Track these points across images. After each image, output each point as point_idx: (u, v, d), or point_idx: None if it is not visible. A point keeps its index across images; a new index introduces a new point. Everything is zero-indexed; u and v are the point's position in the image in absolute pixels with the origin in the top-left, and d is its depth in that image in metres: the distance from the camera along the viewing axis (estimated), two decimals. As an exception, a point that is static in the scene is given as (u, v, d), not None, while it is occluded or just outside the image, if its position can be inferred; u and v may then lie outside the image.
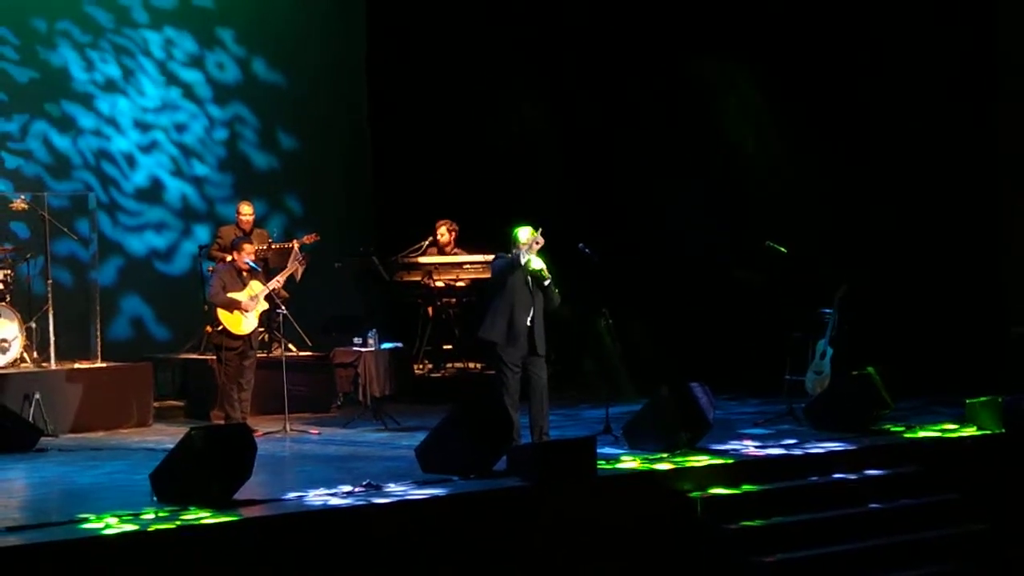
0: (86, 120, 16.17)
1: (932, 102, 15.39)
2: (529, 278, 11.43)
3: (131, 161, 16.42)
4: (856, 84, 15.75)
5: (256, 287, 13.24)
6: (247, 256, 13.28)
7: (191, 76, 16.85)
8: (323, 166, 17.50)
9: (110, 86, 16.33)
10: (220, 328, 13.17)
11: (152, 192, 16.54)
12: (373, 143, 17.87)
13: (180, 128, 16.75)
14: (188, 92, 16.82)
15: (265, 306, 13.36)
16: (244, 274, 13.28)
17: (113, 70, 16.34)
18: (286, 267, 13.99)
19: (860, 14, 15.75)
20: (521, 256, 11.33)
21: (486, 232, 14.47)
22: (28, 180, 15.54)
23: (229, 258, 13.80)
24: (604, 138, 17.39)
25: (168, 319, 16.33)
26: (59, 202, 15.41)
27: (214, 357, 13.64)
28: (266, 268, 14.34)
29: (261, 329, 14.03)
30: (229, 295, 13.12)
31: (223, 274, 13.33)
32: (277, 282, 13.60)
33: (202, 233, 16.63)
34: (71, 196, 15.61)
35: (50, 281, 14.35)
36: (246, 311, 13.14)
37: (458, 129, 17.48)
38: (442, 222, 15.82)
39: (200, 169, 16.85)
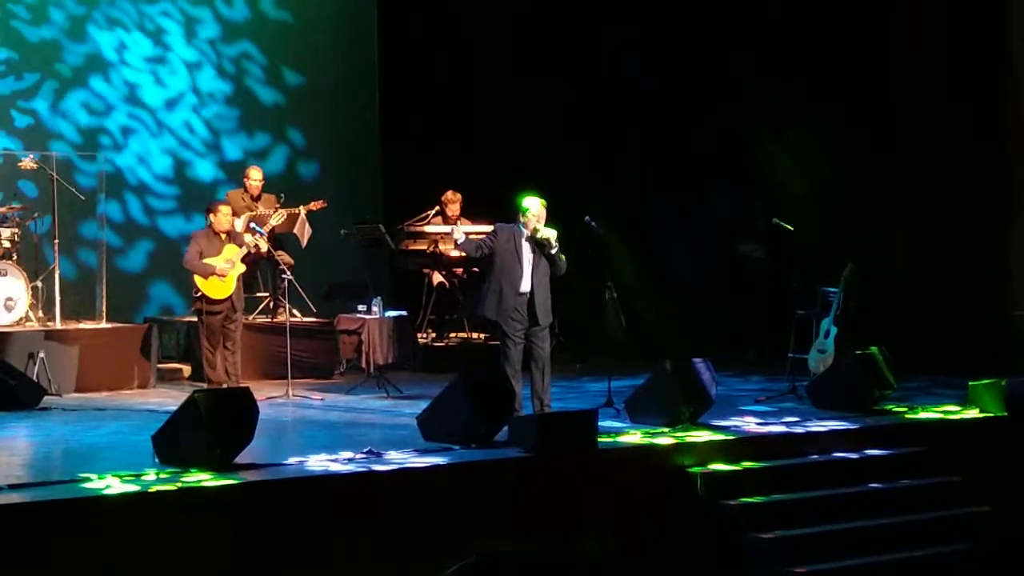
0: (98, 74, 16.12)
1: (943, 86, 15.33)
2: (527, 248, 11.41)
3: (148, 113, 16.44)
4: (871, 69, 15.68)
5: (232, 251, 13.15)
6: (223, 217, 13.19)
7: (200, 14, 16.83)
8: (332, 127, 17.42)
9: (119, 36, 16.28)
10: (199, 295, 13.13)
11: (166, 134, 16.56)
12: (382, 106, 17.77)
13: (190, 67, 16.69)
14: (195, 32, 16.77)
15: (242, 269, 13.24)
16: (223, 237, 13.22)
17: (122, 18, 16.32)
18: (292, 230, 13.93)
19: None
20: (525, 227, 11.33)
21: (492, 202, 14.45)
22: (37, 139, 15.51)
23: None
24: (613, 113, 17.36)
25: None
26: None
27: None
28: (272, 235, 14.33)
29: (264, 292, 13.88)
30: (205, 261, 13.05)
31: (200, 239, 13.19)
32: (253, 242, 13.49)
33: (206, 167, 16.59)
34: (83, 156, 15.56)
35: (57, 240, 14.34)
36: (222, 276, 13.10)
37: (468, 96, 17.44)
38: (452, 194, 15.62)
39: (210, 106, 16.80)
